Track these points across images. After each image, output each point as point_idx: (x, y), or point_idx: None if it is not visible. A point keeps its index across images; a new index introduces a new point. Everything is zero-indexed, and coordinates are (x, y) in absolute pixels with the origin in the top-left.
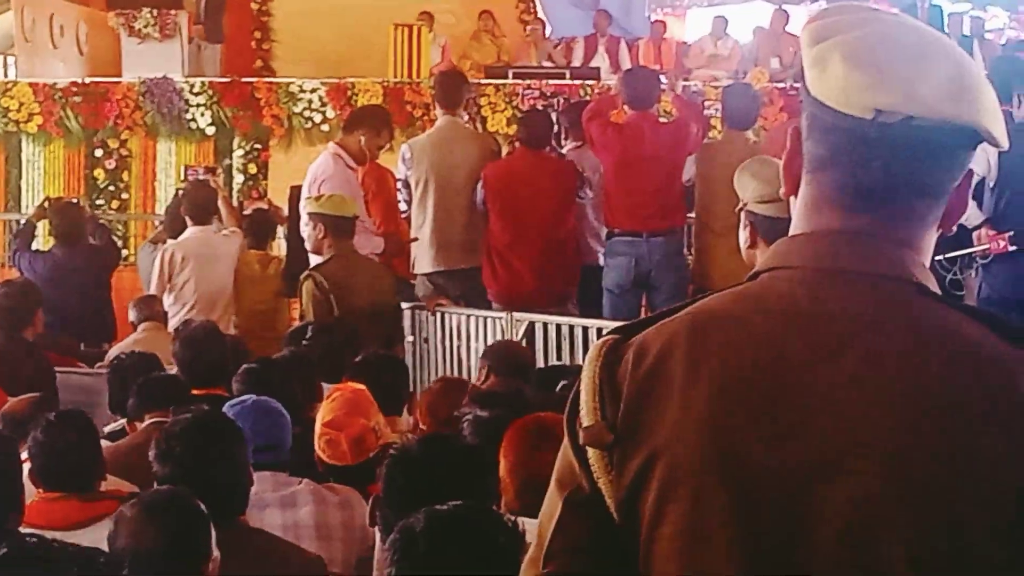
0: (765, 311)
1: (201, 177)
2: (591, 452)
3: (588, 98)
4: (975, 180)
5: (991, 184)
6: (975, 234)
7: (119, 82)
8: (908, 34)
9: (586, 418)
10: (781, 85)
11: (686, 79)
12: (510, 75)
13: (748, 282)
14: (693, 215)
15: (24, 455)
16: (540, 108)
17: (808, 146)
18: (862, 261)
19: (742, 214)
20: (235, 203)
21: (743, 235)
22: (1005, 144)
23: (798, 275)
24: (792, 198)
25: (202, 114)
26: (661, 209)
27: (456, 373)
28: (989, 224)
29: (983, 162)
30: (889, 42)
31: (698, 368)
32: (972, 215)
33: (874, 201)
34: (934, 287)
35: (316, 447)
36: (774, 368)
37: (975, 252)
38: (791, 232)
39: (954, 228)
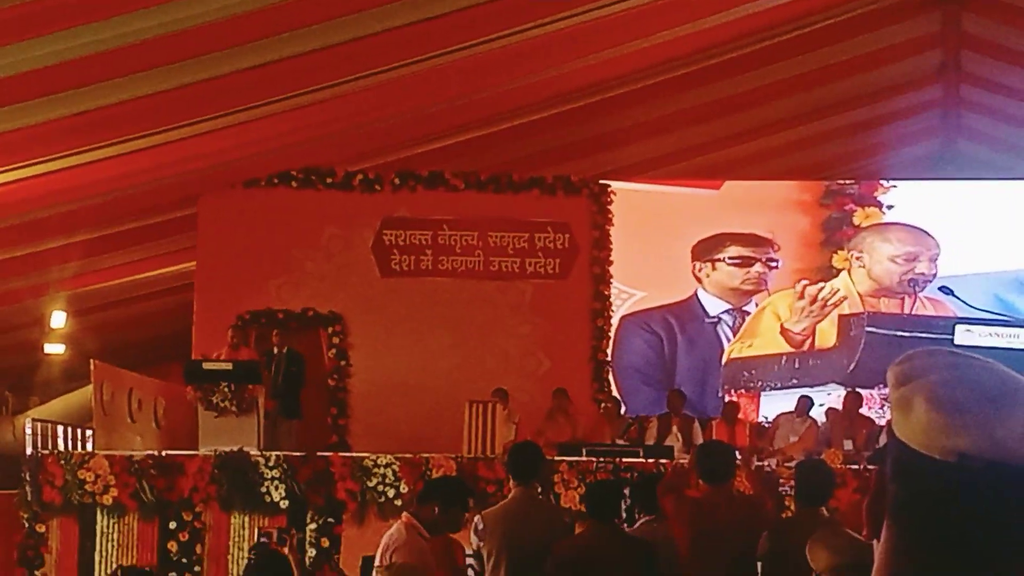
0: None
1: (273, 540)
2: None
3: (661, 472)
4: None
5: None
6: None
7: (195, 455)
8: (991, 377)
9: None
10: (855, 467)
11: (760, 458)
12: (584, 452)
13: None
14: None
15: None
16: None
17: (892, 488)
18: None
19: None
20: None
21: None
22: None
23: None
24: (875, 541)
25: (276, 487)
26: None
27: None
28: None
29: None
30: (971, 385)
31: None
32: None
33: (957, 548)
34: None
35: None
36: None
37: None
38: (874, 574)
39: None
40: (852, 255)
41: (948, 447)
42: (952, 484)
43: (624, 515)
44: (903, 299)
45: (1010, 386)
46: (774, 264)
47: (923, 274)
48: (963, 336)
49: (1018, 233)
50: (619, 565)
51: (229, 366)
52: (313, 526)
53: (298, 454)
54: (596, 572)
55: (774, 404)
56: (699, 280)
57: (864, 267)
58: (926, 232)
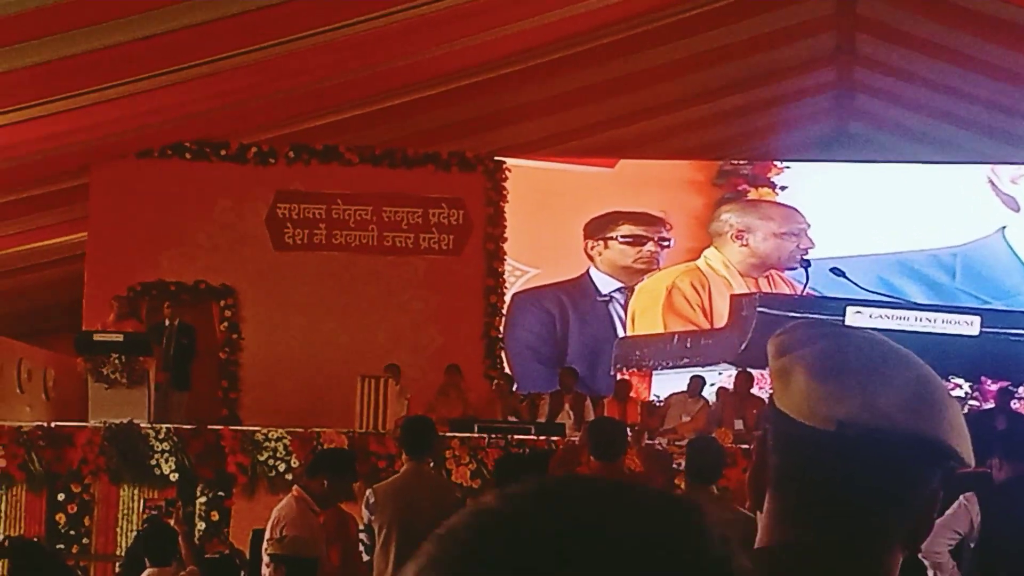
0: None
1: (160, 512)
2: None
3: (552, 449)
4: (956, 540)
5: (972, 544)
6: None
7: (84, 427)
8: (871, 347)
9: None
10: (745, 446)
11: (651, 436)
12: (475, 428)
13: None
14: None
15: None
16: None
17: (773, 459)
18: None
19: None
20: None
21: None
22: (971, 462)
23: None
24: (758, 513)
25: (166, 460)
26: None
27: None
28: None
29: (965, 522)
30: (851, 354)
31: None
32: None
33: (837, 515)
34: None
35: None
36: None
37: None
38: (756, 545)
39: (920, 548)
40: (730, 234)
41: (827, 415)
42: (831, 453)
43: None
44: (768, 278)
45: (889, 356)
46: (666, 243)
47: (807, 249)
48: (854, 318)
49: (905, 216)
50: None
51: (120, 337)
52: (203, 499)
53: (188, 427)
54: None
55: (666, 384)
56: (591, 258)
57: (747, 245)
58: (792, 207)
